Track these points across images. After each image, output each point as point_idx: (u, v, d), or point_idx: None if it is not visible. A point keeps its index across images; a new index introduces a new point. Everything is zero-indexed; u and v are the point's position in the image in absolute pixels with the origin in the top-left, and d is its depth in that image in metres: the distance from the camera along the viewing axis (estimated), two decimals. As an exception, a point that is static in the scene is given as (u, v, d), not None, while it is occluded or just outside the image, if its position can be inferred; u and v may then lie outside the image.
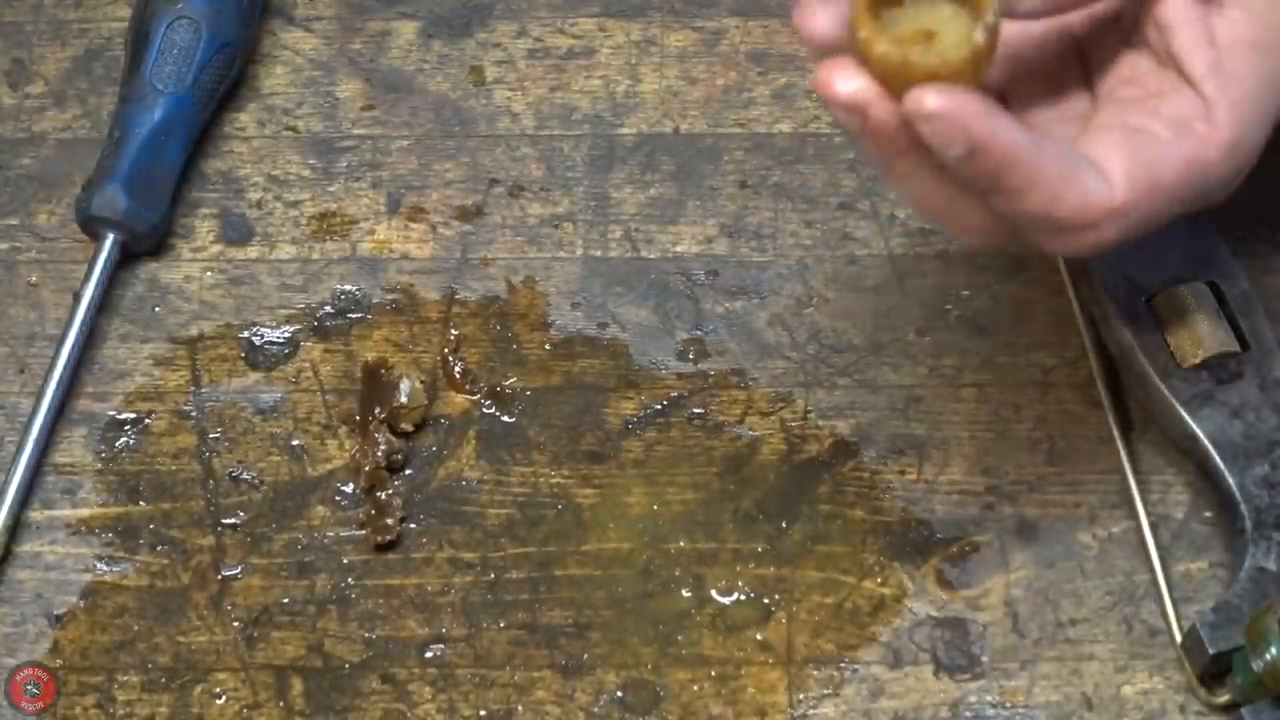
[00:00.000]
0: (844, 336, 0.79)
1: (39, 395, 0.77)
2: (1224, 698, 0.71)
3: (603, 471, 0.76)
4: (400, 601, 0.74)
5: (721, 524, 0.75)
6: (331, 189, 0.82)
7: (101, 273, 0.79)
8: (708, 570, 0.75)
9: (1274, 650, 0.68)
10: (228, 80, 0.83)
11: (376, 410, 0.76)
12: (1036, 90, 0.67)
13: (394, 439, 0.76)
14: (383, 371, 0.77)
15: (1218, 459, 0.73)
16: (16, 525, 0.75)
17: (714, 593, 0.74)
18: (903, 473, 0.76)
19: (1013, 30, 0.65)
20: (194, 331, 0.80)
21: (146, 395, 0.78)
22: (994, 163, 0.61)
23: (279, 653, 0.73)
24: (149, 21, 0.81)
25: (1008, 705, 0.72)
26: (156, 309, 0.80)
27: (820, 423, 0.77)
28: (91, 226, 0.80)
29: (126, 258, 0.80)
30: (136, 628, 0.74)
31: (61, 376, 0.77)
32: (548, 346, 0.79)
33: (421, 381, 0.77)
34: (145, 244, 0.80)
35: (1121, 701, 0.72)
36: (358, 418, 0.77)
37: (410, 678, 0.73)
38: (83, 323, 0.78)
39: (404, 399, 0.76)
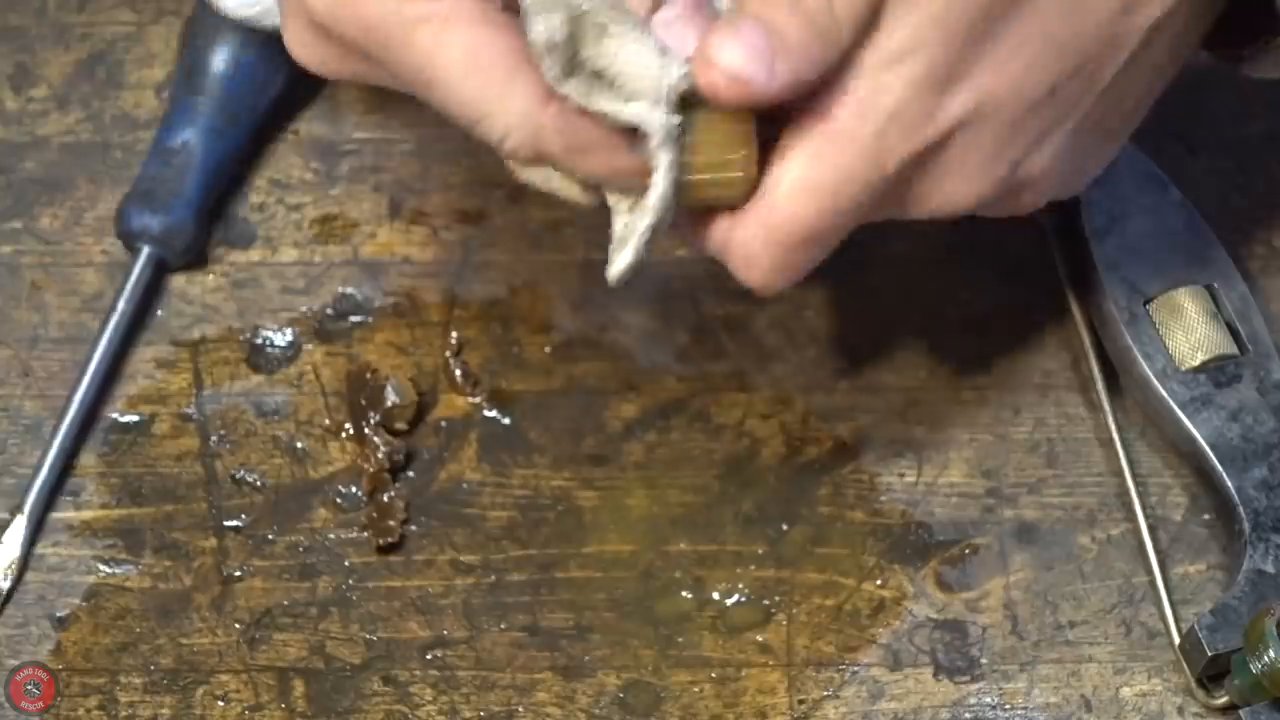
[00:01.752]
0: (844, 339, 0.79)
1: (64, 407, 0.77)
2: (1222, 699, 0.71)
3: (603, 474, 0.77)
4: (402, 603, 0.74)
5: (722, 526, 0.76)
6: (333, 192, 0.83)
7: (136, 284, 0.79)
8: (708, 572, 0.75)
9: (1272, 653, 0.68)
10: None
11: (370, 415, 0.76)
12: None
13: (393, 439, 0.76)
14: (368, 376, 0.77)
15: (1216, 462, 0.73)
16: (38, 530, 0.76)
17: (714, 595, 0.74)
18: (902, 475, 0.76)
19: None
20: (196, 334, 0.80)
21: (149, 398, 0.79)
22: None
23: (281, 654, 0.74)
24: (232, 50, 0.81)
25: (1007, 707, 0.72)
26: (159, 312, 0.80)
27: (820, 425, 0.77)
28: (134, 240, 0.79)
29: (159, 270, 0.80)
30: (139, 629, 0.74)
31: (88, 388, 0.77)
32: (549, 349, 0.79)
33: (410, 379, 0.77)
34: (180, 264, 0.80)
35: (1120, 703, 0.72)
36: (349, 427, 0.77)
37: (412, 679, 0.73)
38: (114, 333, 0.78)
39: (394, 398, 0.77)
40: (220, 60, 0.81)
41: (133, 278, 0.79)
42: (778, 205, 0.63)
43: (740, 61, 0.60)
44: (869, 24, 0.61)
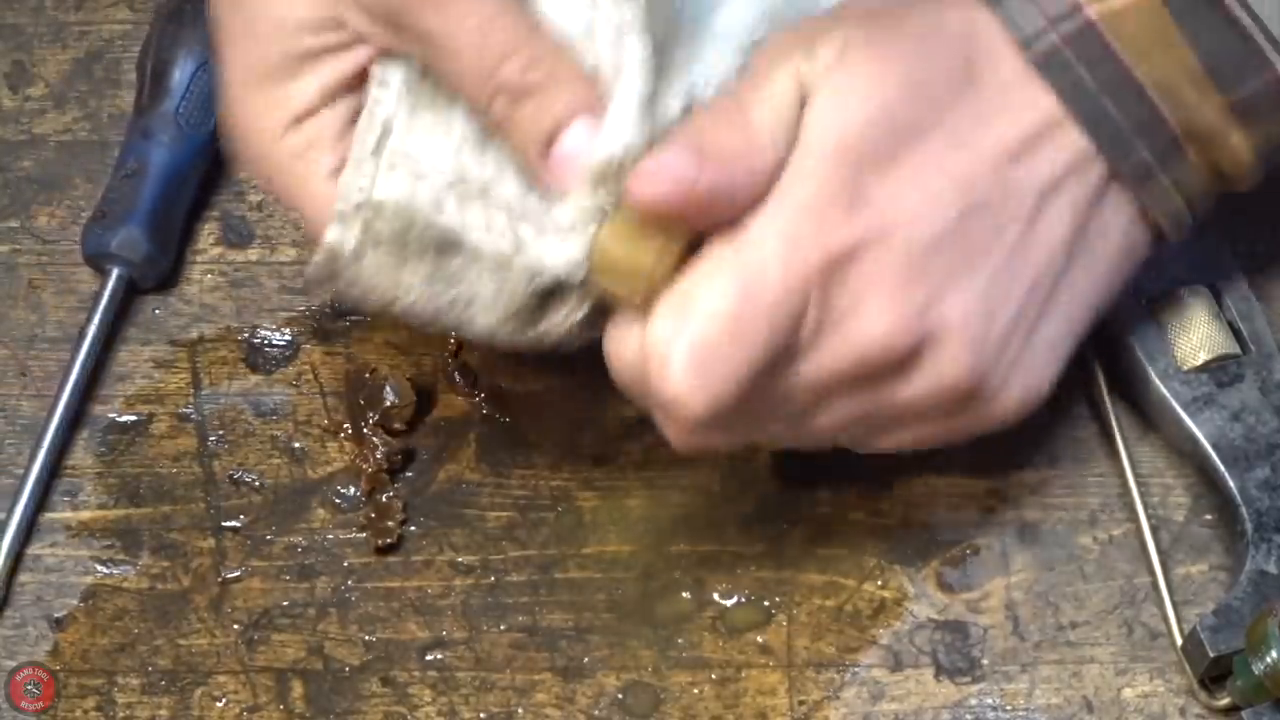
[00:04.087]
0: (844, 339, 0.79)
1: (42, 427, 0.76)
2: (1224, 701, 0.71)
3: (603, 474, 0.76)
4: (401, 604, 0.74)
5: (722, 526, 0.75)
6: (332, 191, 0.82)
7: (107, 308, 0.78)
8: (708, 573, 0.75)
9: (1274, 653, 0.68)
10: None
11: (369, 415, 0.76)
12: None
13: (391, 439, 0.76)
14: (367, 376, 0.77)
15: (1218, 462, 0.73)
16: (29, 532, 0.75)
17: (714, 595, 0.74)
18: (903, 475, 0.76)
19: None
20: (194, 334, 0.80)
21: (147, 398, 0.78)
22: None
23: (279, 655, 0.73)
24: (175, 57, 0.81)
25: (1008, 708, 0.72)
26: (157, 311, 0.80)
27: (821, 425, 0.77)
28: (100, 261, 0.79)
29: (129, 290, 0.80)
30: (137, 630, 0.74)
31: (64, 411, 0.77)
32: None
33: (408, 378, 0.77)
34: (150, 282, 0.80)
35: (1122, 704, 0.72)
36: (348, 427, 0.77)
37: (410, 680, 0.73)
38: (87, 357, 0.78)
39: (393, 398, 0.76)
40: (166, 79, 0.81)
41: (103, 301, 0.78)
42: (694, 298, 0.64)
43: (673, 163, 0.63)
44: (788, 137, 0.64)
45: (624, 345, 0.66)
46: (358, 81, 0.67)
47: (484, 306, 0.67)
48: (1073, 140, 0.66)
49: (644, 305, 0.65)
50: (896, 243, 0.64)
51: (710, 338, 0.63)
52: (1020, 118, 0.65)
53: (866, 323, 0.64)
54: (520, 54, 0.64)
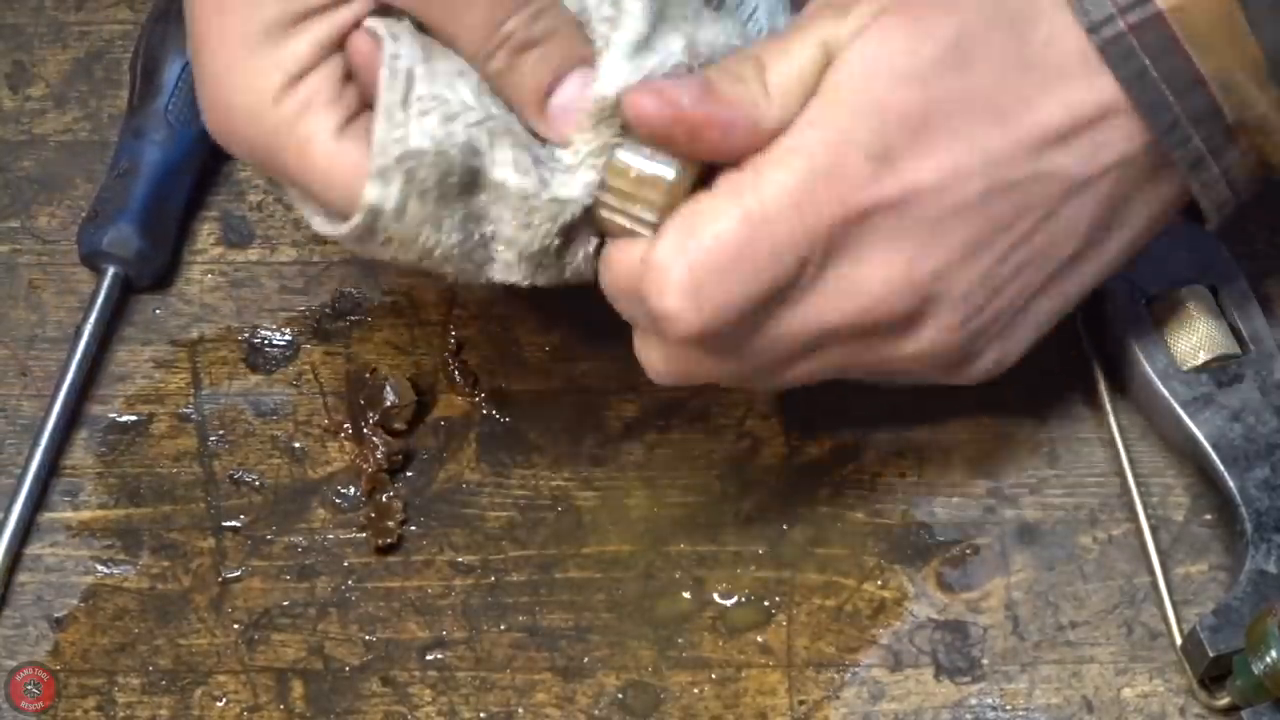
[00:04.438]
0: (844, 339, 0.79)
1: (39, 426, 0.76)
2: (1224, 700, 0.71)
3: (603, 474, 0.76)
4: (401, 604, 0.74)
5: (722, 526, 0.75)
6: (332, 191, 0.82)
7: (103, 307, 0.78)
8: (708, 573, 0.75)
9: (1274, 653, 0.68)
10: None
11: (369, 415, 0.76)
12: None
13: (391, 439, 0.76)
14: (367, 376, 0.77)
15: (1218, 462, 0.73)
16: (27, 532, 0.75)
17: (714, 595, 0.74)
18: (903, 475, 0.76)
19: None
20: (195, 334, 0.80)
21: (147, 398, 0.78)
22: None
23: (279, 655, 0.73)
24: (164, 56, 0.81)
25: (1008, 708, 0.72)
26: (157, 311, 0.80)
27: (820, 425, 0.77)
28: (95, 260, 0.79)
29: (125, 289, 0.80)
30: (137, 630, 0.74)
31: (62, 410, 0.77)
32: (548, 349, 0.79)
33: (409, 378, 0.77)
34: (146, 280, 0.80)
35: (1122, 704, 0.72)
36: (348, 427, 0.77)
37: (411, 680, 0.73)
38: (83, 357, 0.78)
39: (393, 398, 0.76)
40: (156, 77, 0.81)
41: (99, 300, 0.78)
42: (702, 219, 0.64)
43: (670, 85, 0.63)
44: (801, 100, 0.64)
45: (626, 254, 0.65)
46: (343, 40, 0.66)
47: (508, 243, 0.66)
48: (1124, 132, 0.65)
49: (658, 222, 0.65)
50: (916, 209, 0.64)
51: (712, 262, 0.63)
52: (1072, 101, 0.65)
53: (872, 282, 0.65)
54: (527, 7, 0.64)
